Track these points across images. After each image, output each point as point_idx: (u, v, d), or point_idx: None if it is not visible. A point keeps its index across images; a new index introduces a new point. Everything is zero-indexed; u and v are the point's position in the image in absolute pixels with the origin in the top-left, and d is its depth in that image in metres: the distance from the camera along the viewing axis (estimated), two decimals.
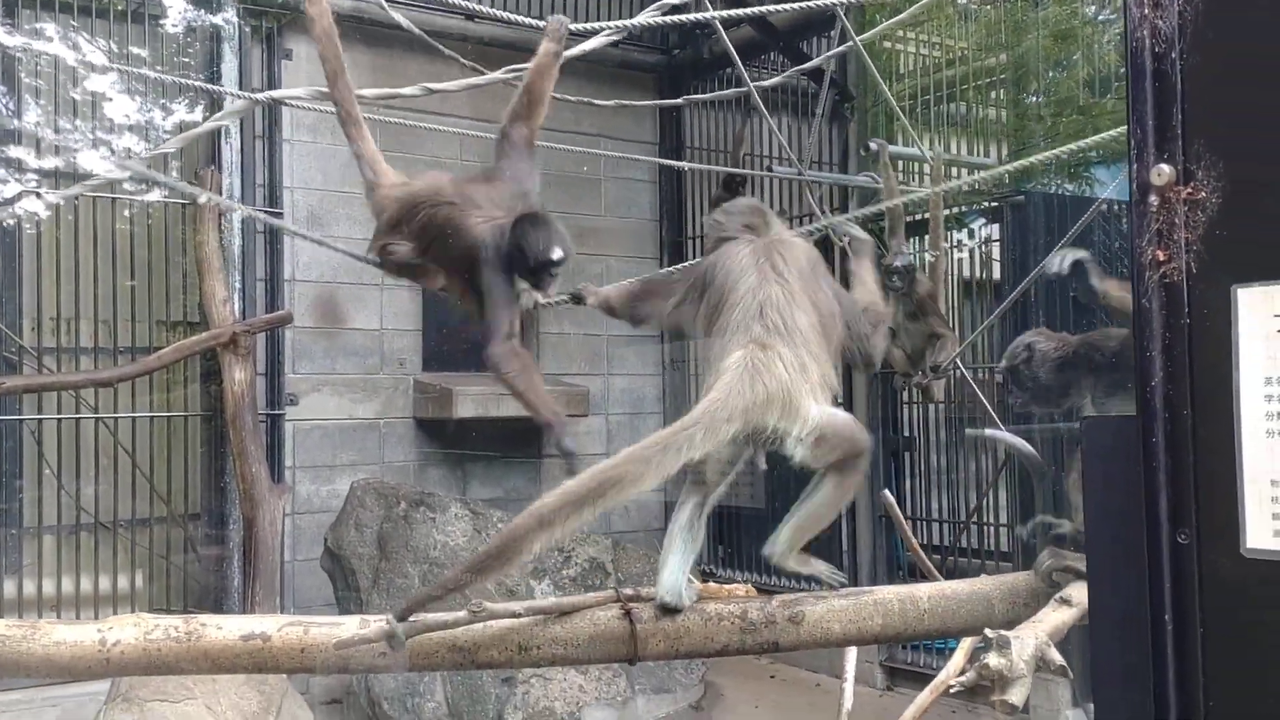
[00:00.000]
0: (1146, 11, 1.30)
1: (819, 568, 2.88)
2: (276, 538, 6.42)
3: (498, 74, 4.04)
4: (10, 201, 6.36)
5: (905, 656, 7.40)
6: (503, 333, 3.21)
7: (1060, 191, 6.97)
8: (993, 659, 2.01)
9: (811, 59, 6.61)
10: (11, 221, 6.43)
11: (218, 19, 7.09)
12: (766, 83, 5.80)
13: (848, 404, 7.84)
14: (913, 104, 7.58)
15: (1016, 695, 1.98)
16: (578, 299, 3.57)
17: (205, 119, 6.91)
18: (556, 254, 3.15)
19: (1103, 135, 3.77)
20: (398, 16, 4.25)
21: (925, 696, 3.05)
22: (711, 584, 2.82)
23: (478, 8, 4.17)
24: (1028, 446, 3.33)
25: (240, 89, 6.99)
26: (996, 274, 7.51)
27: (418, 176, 3.59)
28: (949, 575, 3.31)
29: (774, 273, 2.77)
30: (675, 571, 2.69)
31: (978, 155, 7.72)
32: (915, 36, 8.03)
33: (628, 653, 2.66)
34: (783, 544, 2.77)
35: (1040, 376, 2.97)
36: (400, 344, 8.01)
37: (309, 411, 7.59)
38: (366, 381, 7.87)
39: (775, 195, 8.70)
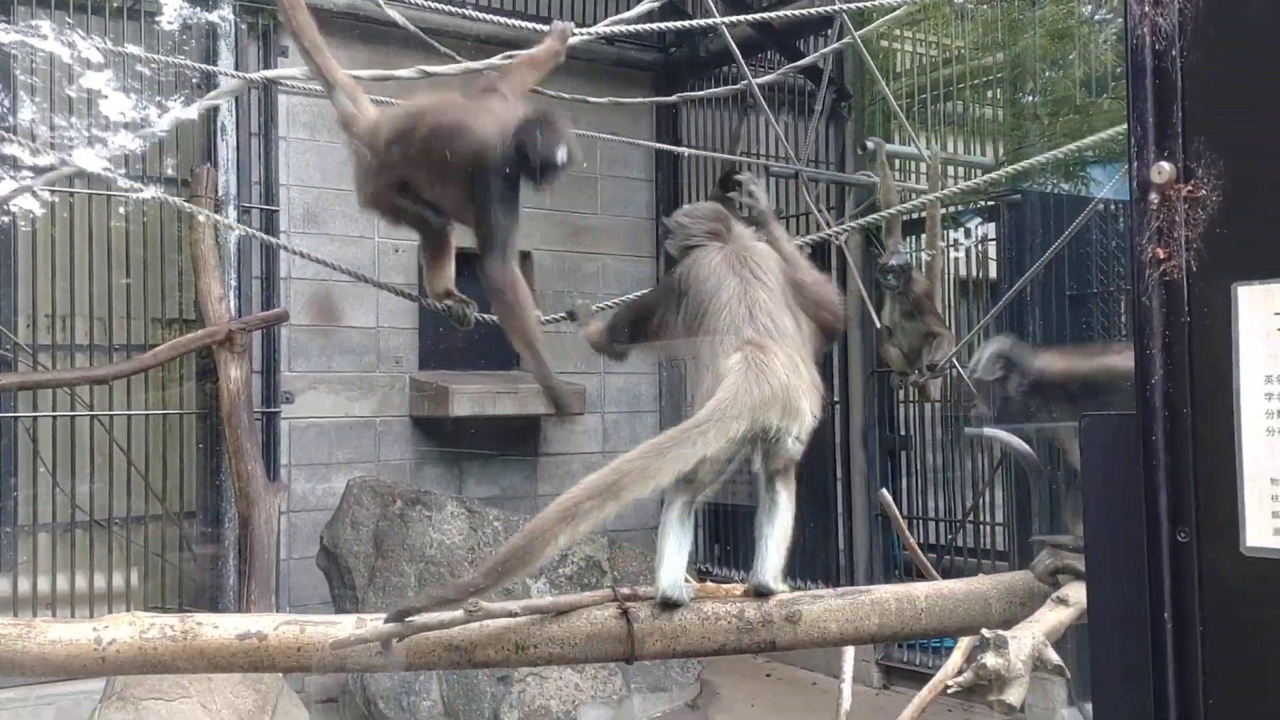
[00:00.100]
0: (1147, 9, 1.29)
1: None
2: (272, 536, 6.41)
3: (495, 59, 4.03)
4: (6, 199, 6.34)
5: (901, 656, 7.40)
6: (506, 254, 3.18)
7: (1056, 191, 6.97)
8: (990, 659, 2.00)
9: (811, 63, 6.59)
10: (6, 218, 6.41)
11: (213, 16, 7.08)
12: (762, 79, 5.80)
13: (844, 403, 7.85)
14: (909, 103, 7.57)
15: (1014, 695, 1.98)
16: (572, 316, 3.65)
17: (202, 116, 6.91)
18: (561, 155, 3.10)
19: (1101, 135, 3.77)
20: (394, 14, 4.25)
21: (923, 695, 3.05)
22: (709, 583, 2.82)
23: (473, 10, 4.16)
24: (1024, 445, 3.33)
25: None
26: (993, 273, 7.51)
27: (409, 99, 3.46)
28: (945, 574, 3.31)
29: (754, 277, 2.81)
30: (675, 567, 2.70)
31: (974, 154, 7.72)
32: (912, 35, 8.03)
33: (625, 652, 2.66)
34: (774, 568, 2.76)
35: (1010, 393, 2.98)
36: (396, 342, 8.00)
37: (305, 409, 7.58)
38: (362, 379, 7.86)
39: (772, 194, 8.70)
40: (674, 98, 6.55)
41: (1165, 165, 1.27)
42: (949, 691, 2.23)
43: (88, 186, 6.68)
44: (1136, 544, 1.29)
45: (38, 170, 6.62)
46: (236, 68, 7.01)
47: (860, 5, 4.82)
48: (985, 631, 2.06)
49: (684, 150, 8.22)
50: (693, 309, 2.83)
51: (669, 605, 2.68)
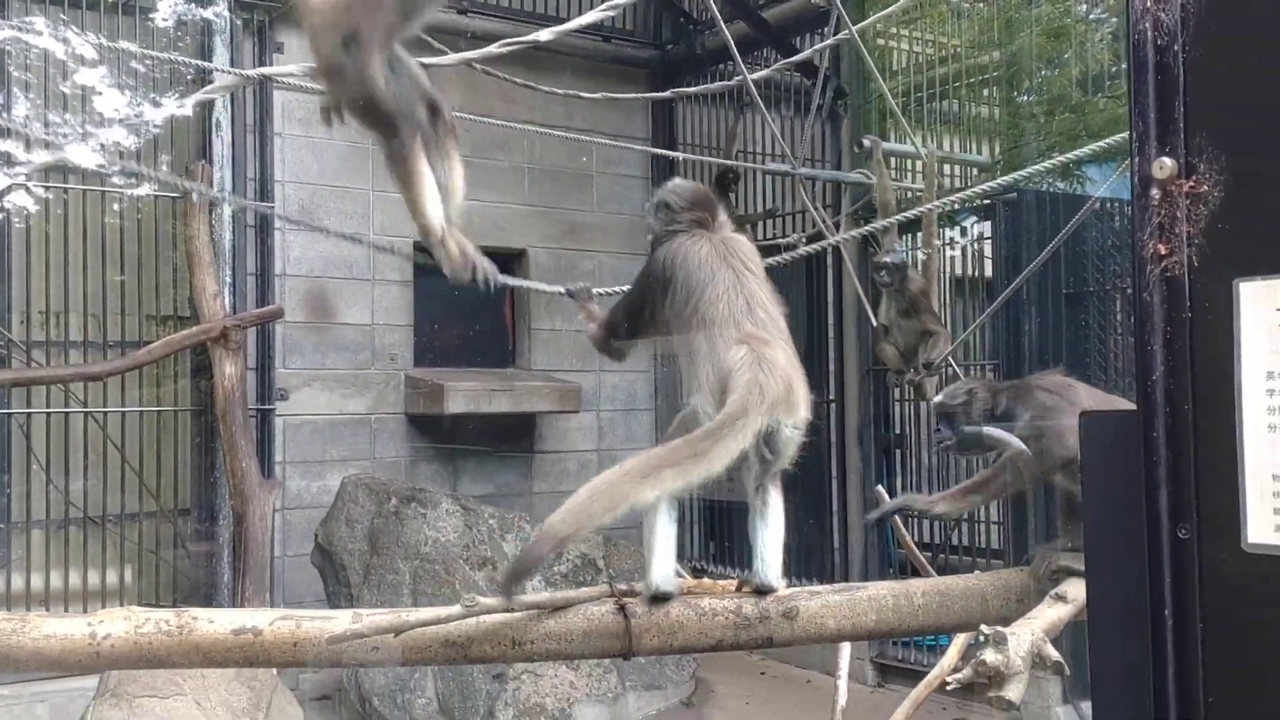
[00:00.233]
0: (1149, 4, 1.29)
1: None
2: (267, 533, 6.40)
3: (492, 48, 4.02)
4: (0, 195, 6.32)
5: (896, 653, 7.41)
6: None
7: (1052, 189, 6.97)
8: (989, 655, 2.00)
9: (807, 57, 6.59)
10: (0, 214, 6.39)
11: (208, 12, 7.06)
12: (757, 75, 5.80)
13: (840, 401, 7.85)
14: (906, 101, 7.57)
15: (1013, 691, 1.98)
16: (571, 295, 3.57)
17: (197, 113, 6.89)
18: None
19: (1103, 143, 3.76)
20: None
21: (920, 691, 3.05)
22: (706, 579, 2.82)
23: (470, 7, 4.15)
24: (1022, 445, 3.33)
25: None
26: (989, 271, 7.51)
27: None
28: (941, 572, 3.31)
29: (745, 269, 2.81)
30: (666, 561, 2.71)
31: (971, 153, 7.73)
32: (909, 33, 8.03)
33: (622, 648, 2.66)
34: (775, 567, 2.77)
35: (973, 420, 3.02)
36: (391, 339, 7.99)
37: (300, 406, 7.57)
38: (357, 377, 7.85)
39: (769, 192, 8.71)
40: (668, 93, 6.54)
41: (1167, 161, 1.27)
42: (948, 688, 2.23)
43: (82, 182, 6.66)
44: (1137, 541, 1.29)
45: (32, 166, 6.62)
46: (232, 64, 7.00)
47: None
48: (984, 628, 2.06)
49: (679, 155, 8.21)
50: (683, 296, 2.81)
51: (659, 599, 2.68)
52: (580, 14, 8.51)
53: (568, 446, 8.69)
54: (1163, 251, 1.27)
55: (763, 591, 2.73)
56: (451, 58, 4.18)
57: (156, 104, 6.90)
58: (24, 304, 6.64)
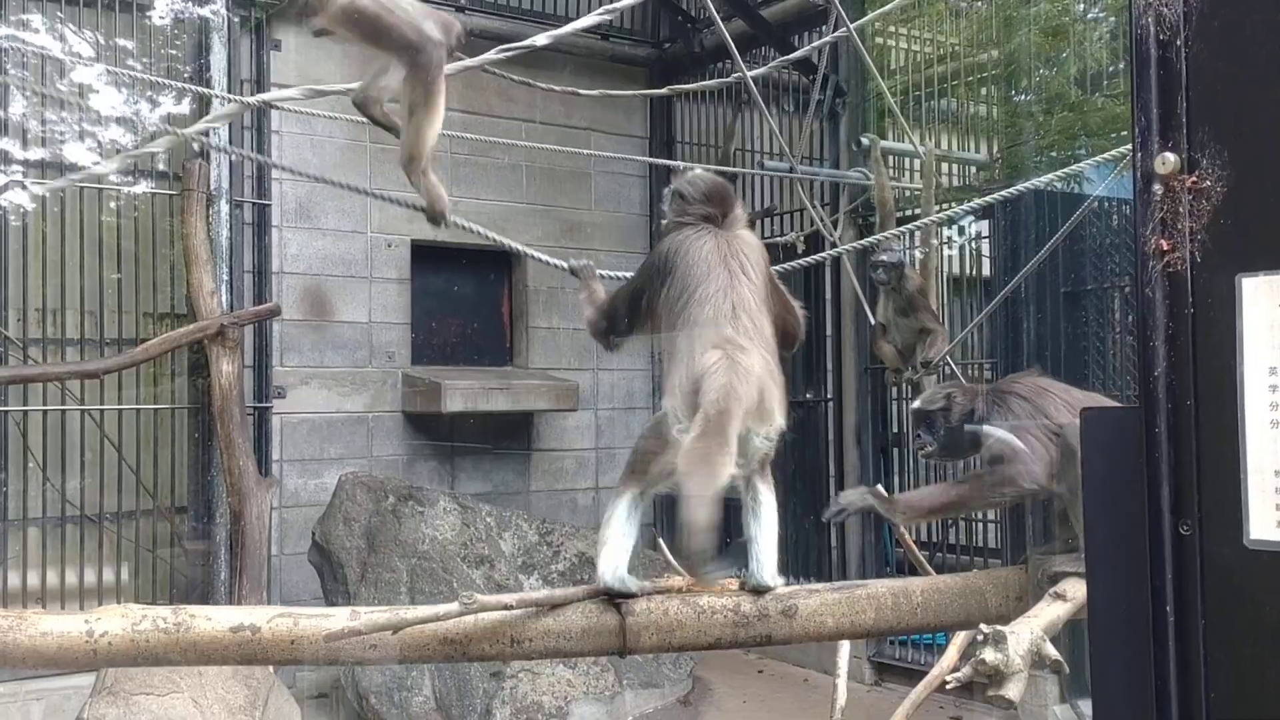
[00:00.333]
0: None
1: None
2: (264, 531, 6.40)
3: (490, 54, 4.01)
4: None
5: (894, 652, 7.41)
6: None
7: (1050, 188, 6.97)
8: (989, 654, 2.00)
9: (805, 54, 6.59)
10: None
11: (205, 10, 7.04)
12: (755, 72, 5.79)
13: (838, 400, 7.85)
14: (904, 100, 7.57)
15: (1013, 690, 1.97)
16: (573, 272, 3.52)
17: (193, 111, 6.89)
18: None
19: (1107, 155, 3.76)
20: None
21: (919, 691, 3.05)
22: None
23: (466, 5, 4.14)
24: (1020, 444, 3.33)
25: (229, 80, 6.95)
26: (987, 270, 7.52)
27: None
28: (938, 571, 3.31)
29: (742, 273, 2.78)
30: (613, 556, 2.69)
31: (969, 151, 7.73)
32: (907, 32, 8.03)
33: (619, 645, 2.65)
34: (770, 566, 2.77)
35: (952, 425, 3.03)
36: (389, 337, 7.99)
37: (297, 404, 7.56)
38: (355, 375, 7.84)
39: (767, 190, 8.70)
40: (666, 90, 6.52)
41: (1169, 156, 1.26)
42: (948, 686, 2.23)
43: (79, 180, 6.65)
44: (1137, 537, 1.29)
45: (27, 165, 6.61)
46: (229, 62, 6.99)
47: None
48: (984, 627, 2.06)
49: (678, 165, 8.19)
50: (676, 291, 2.78)
51: (615, 595, 2.65)
52: (579, 11, 8.52)
53: (565, 445, 8.68)
54: (1165, 247, 1.27)
55: (759, 591, 2.72)
56: (451, 66, 4.16)
57: (154, 103, 6.89)
58: (21, 301, 6.63)
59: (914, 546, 3.51)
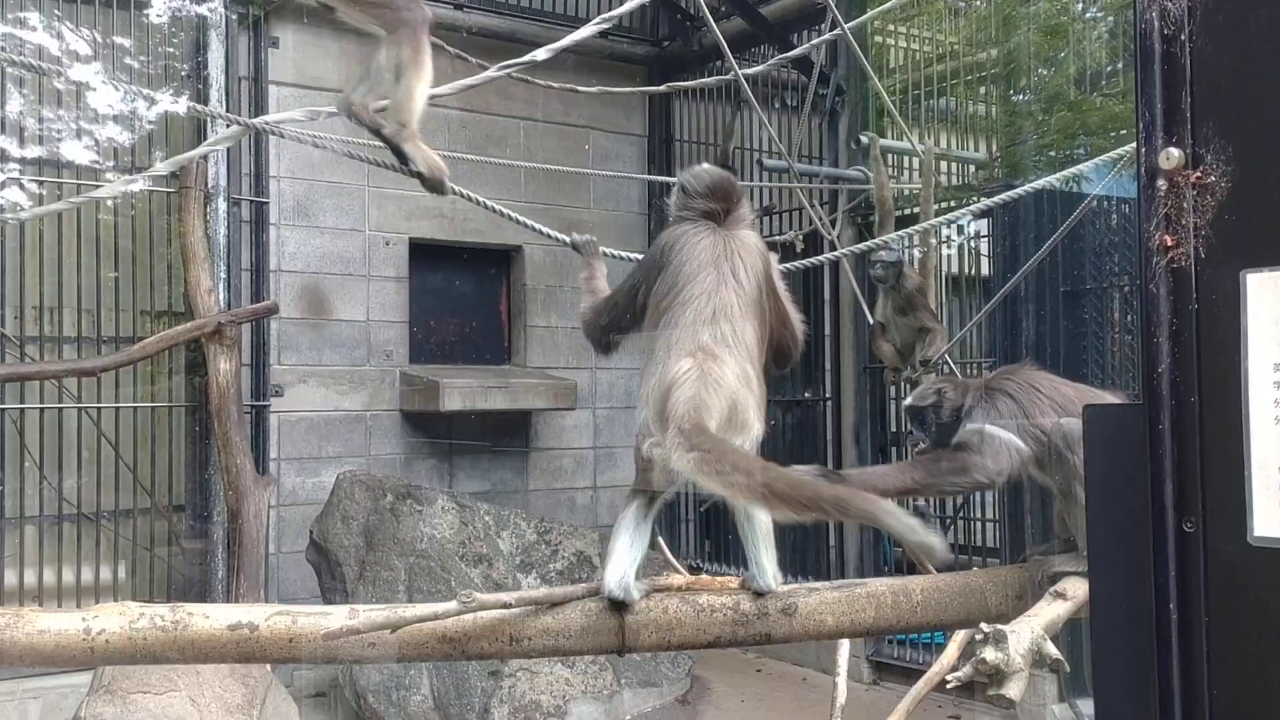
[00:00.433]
0: None
1: None
2: (261, 530, 6.39)
3: (490, 72, 4.01)
4: None
5: (892, 651, 7.40)
6: None
7: (1048, 188, 6.97)
8: (989, 653, 1.99)
9: (803, 53, 6.58)
10: None
11: (203, 7, 7.03)
12: (752, 70, 5.79)
13: (836, 399, 7.85)
14: (903, 98, 7.57)
15: (1014, 689, 1.96)
16: (575, 248, 3.35)
17: (190, 109, 6.86)
18: None
19: (1107, 156, 3.76)
20: None
21: (919, 689, 3.04)
22: (704, 575, 2.81)
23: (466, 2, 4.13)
24: (1019, 443, 3.32)
25: (227, 78, 6.94)
26: (986, 269, 7.51)
27: None
28: (937, 570, 3.30)
29: (732, 276, 2.70)
30: (621, 567, 2.65)
31: (968, 149, 7.73)
32: (905, 31, 8.03)
33: (618, 644, 2.64)
34: (770, 569, 2.72)
35: (943, 421, 3.01)
36: (387, 335, 7.98)
37: (294, 403, 7.55)
38: (353, 373, 7.83)
39: (766, 189, 8.69)
40: (664, 87, 6.52)
41: (1173, 151, 1.26)
42: (948, 685, 2.23)
43: (76, 178, 6.64)
44: (1140, 535, 1.28)
45: (24, 163, 6.60)
46: (227, 60, 6.98)
47: None
48: (984, 626, 2.05)
49: (675, 179, 8.18)
50: (664, 289, 2.72)
51: (615, 605, 2.63)
52: (578, 9, 8.51)
53: (564, 443, 8.68)
54: (1169, 243, 1.26)
55: (760, 594, 2.71)
56: (454, 84, 4.15)
57: (151, 100, 6.88)
58: (18, 299, 6.62)
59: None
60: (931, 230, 6.40)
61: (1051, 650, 2.11)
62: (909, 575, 3.02)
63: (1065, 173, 4.38)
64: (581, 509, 8.66)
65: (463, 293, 8.62)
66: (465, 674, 6.28)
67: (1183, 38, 1.27)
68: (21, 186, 6.42)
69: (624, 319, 2.96)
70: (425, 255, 8.15)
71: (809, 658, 7.46)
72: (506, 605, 2.57)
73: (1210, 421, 1.23)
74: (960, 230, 7.81)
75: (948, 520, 7.46)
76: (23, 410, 6.61)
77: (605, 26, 4.20)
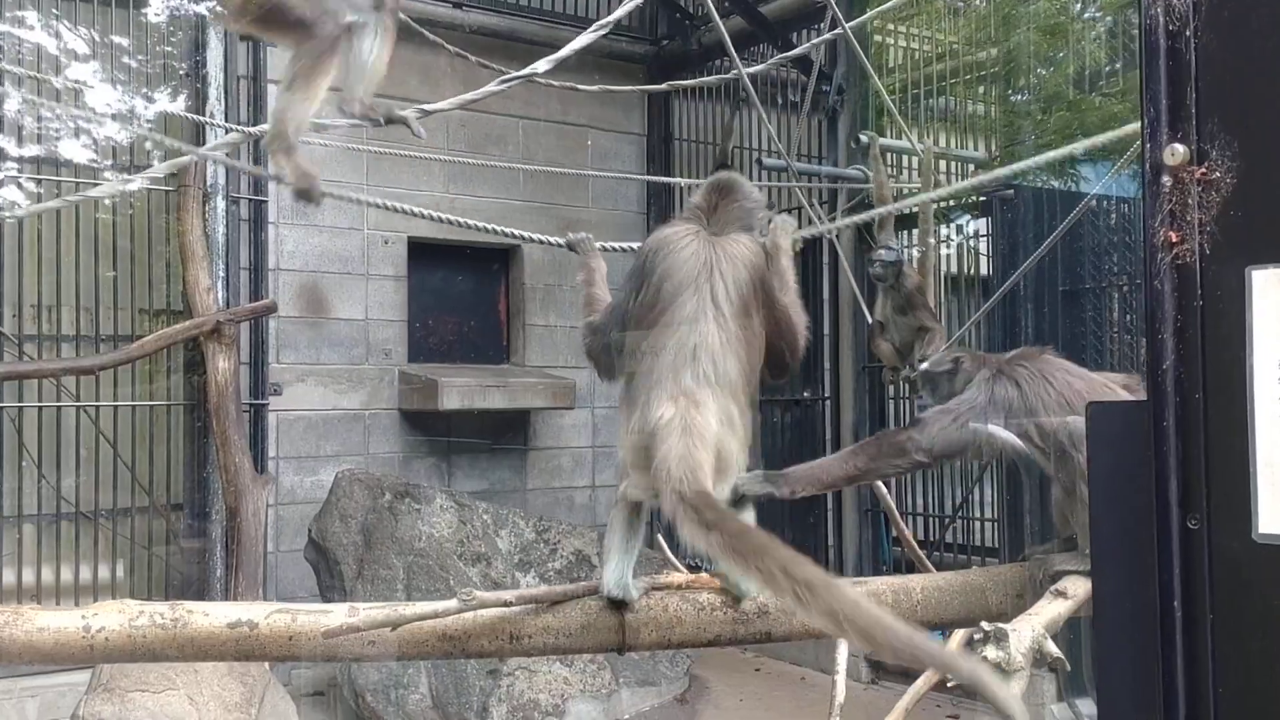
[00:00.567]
0: None
1: None
2: (260, 529, 6.38)
3: (490, 86, 4.01)
4: None
5: None
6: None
7: (1048, 187, 6.98)
8: (991, 651, 1.99)
9: (803, 52, 6.58)
10: None
11: (201, 6, 7.02)
12: (753, 69, 5.79)
13: (835, 398, 7.85)
14: (902, 98, 7.57)
15: (1014, 689, 1.96)
16: (571, 247, 3.24)
17: (189, 107, 6.86)
18: None
19: (1107, 135, 3.73)
20: None
21: (919, 688, 3.04)
22: (704, 574, 2.80)
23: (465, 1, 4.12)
24: (1020, 442, 3.32)
25: (225, 77, 6.92)
26: (985, 269, 7.51)
27: None
28: (936, 569, 3.30)
29: (712, 303, 2.58)
30: (618, 566, 2.64)
31: (968, 149, 7.73)
32: (905, 30, 8.03)
33: (618, 642, 2.64)
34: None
35: (955, 390, 2.97)
36: (385, 334, 7.97)
37: (293, 402, 7.55)
38: (351, 372, 7.83)
39: (765, 189, 8.69)
40: (664, 86, 6.52)
41: (1178, 147, 1.25)
42: (948, 684, 2.22)
43: (75, 177, 6.63)
44: (1144, 532, 1.28)
45: (22, 161, 6.59)
46: (225, 58, 6.96)
47: None
48: (985, 624, 2.05)
49: (679, 180, 8.17)
50: (645, 306, 2.63)
51: (615, 604, 2.62)
52: (577, 8, 8.50)
53: (562, 443, 8.68)
54: (1174, 239, 1.26)
55: (738, 600, 2.69)
56: (454, 100, 4.13)
57: (150, 100, 6.87)
58: (16, 297, 6.61)
59: (914, 544, 3.50)
60: (930, 230, 6.40)
61: (1052, 649, 2.11)
62: (908, 574, 3.02)
63: (1054, 154, 4.34)
64: (580, 508, 8.66)
65: (461, 292, 8.62)
66: (464, 672, 6.28)
67: (1187, 33, 1.26)
68: (20, 185, 6.41)
69: (622, 326, 2.84)
70: (424, 254, 8.15)
71: (808, 657, 7.46)
72: (506, 603, 2.57)
73: (1215, 418, 1.23)
74: (959, 230, 7.81)
75: (948, 520, 7.46)
76: (21, 409, 6.60)
77: (604, 31, 4.19)
